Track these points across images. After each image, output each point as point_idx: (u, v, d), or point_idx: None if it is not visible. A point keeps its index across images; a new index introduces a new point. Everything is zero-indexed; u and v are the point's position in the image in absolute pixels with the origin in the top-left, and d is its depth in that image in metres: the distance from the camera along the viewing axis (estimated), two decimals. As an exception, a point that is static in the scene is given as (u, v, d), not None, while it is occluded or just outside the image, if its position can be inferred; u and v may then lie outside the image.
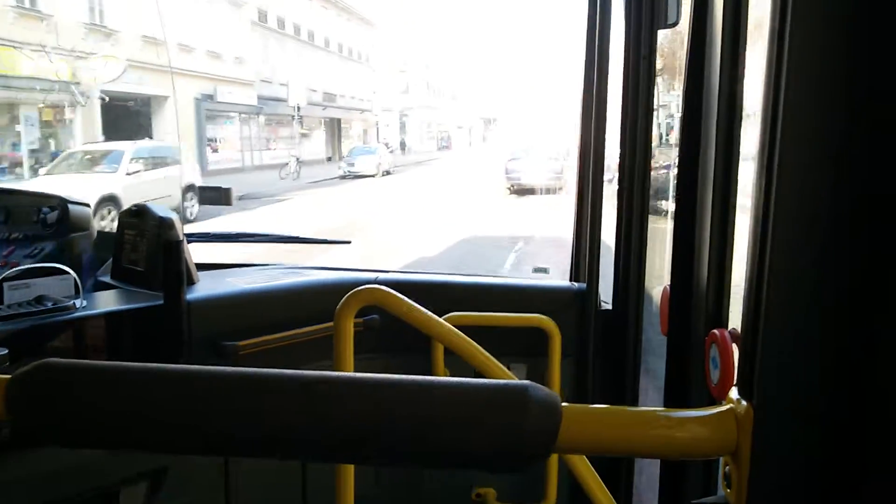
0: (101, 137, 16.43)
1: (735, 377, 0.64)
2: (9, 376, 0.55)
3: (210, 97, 23.27)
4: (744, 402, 0.57)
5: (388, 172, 26.53)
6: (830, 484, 0.56)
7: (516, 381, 0.55)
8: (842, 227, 0.54)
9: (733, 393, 0.59)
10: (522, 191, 18.50)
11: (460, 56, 64.79)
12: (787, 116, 0.53)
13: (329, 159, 33.82)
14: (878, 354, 0.54)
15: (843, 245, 0.54)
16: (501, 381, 0.56)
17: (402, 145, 49.41)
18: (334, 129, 37.41)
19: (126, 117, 18.49)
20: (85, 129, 16.71)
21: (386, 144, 47.36)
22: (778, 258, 0.54)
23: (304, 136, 32.77)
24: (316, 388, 0.54)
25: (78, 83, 15.89)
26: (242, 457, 0.61)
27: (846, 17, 0.52)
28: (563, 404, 0.55)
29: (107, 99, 16.62)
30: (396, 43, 50.03)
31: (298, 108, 28.61)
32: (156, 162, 12.65)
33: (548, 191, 18.26)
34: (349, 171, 24.62)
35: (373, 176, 24.65)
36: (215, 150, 24.03)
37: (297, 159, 23.57)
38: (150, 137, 18.35)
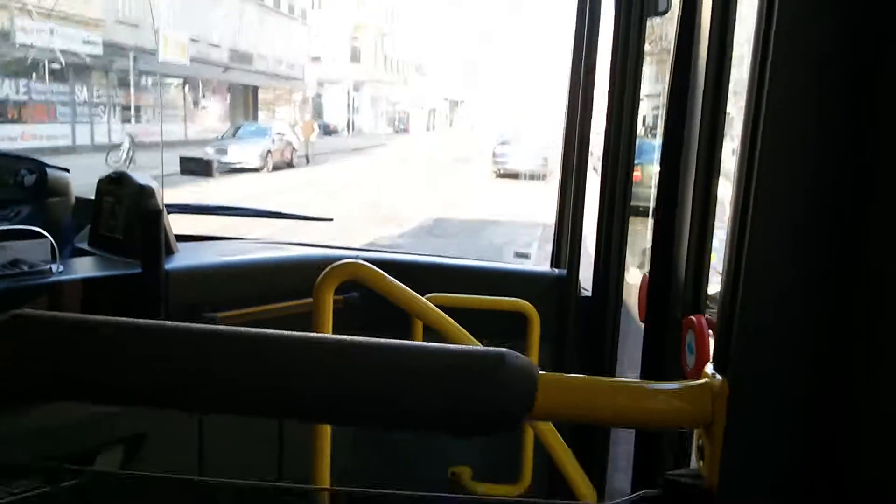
0: None
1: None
2: None
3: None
4: (718, 377, 0.59)
5: (290, 164, 18.42)
6: (803, 459, 0.57)
7: (494, 348, 0.55)
8: (818, 213, 0.56)
9: (708, 368, 0.61)
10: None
11: (427, 27, 56.49)
12: (770, 108, 0.55)
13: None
14: (852, 330, 0.56)
15: (822, 228, 0.56)
16: (479, 348, 0.57)
17: (350, 126, 40.97)
18: (248, 100, 28.96)
19: None
20: None
21: (321, 125, 39.32)
22: (756, 239, 0.56)
23: (197, 105, 24.45)
24: (290, 347, 0.54)
25: None
26: (213, 413, 0.61)
27: (833, 8, 0.54)
28: (541, 372, 0.56)
29: None
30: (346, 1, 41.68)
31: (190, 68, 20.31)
32: None
33: (533, 177, 18.58)
34: (219, 161, 16.25)
35: (257, 170, 16.92)
36: (14, 119, 15.72)
37: (132, 139, 15.39)
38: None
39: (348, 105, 43.38)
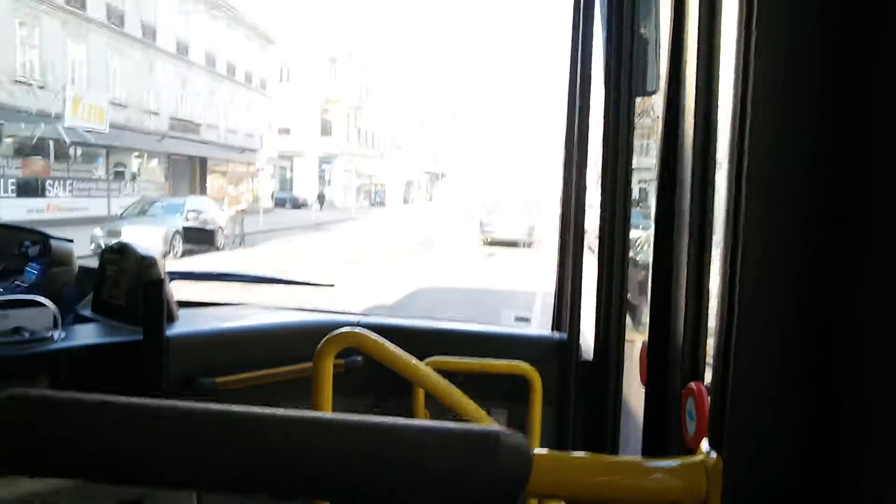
0: None
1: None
2: None
3: None
4: (713, 454, 0.60)
5: (214, 246, 15.29)
6: None
7: (488, 426, 0.56)
8: (808, 288, 0.57)
9: (704, 445, 0.62)
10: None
11: (405, 101, 55.31)
12: (751, 180, 0.57)
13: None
14: (849, 407, 0.56)
15: (807, 304, 0.57)
16: (473, 426, 0.56)
17: (321, 199, 38.51)
18: (195, 171, 26.45)
19: None
20: None
21: (289, 199, 36.91)
22: (745, 316, 0.57)
23: (120, 175, 21.77)
24: (283, 427, 0.54)
25: None
26: (207, 492, 0.63)
27: (809, 89, 0.57)
28: (536, 451, 0.56)
29: None
30: (314, 70, 40.11)
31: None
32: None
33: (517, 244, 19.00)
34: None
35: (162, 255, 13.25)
36: None
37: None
38: None
39: (321, 177, 41.24)
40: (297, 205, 38.19)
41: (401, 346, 1.30)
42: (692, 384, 1.02)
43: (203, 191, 25.65)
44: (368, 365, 1.85)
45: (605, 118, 1.75)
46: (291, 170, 41.70)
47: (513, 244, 19.26)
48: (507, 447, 0.53)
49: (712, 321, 0.69)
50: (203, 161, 26.44)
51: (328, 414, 0.57)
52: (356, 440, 0.53)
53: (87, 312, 1.95)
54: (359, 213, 36.13)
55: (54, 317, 1.65)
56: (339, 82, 41.57)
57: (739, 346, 0.58)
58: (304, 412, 0.55)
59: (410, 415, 1.86)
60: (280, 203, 36.98)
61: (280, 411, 0.54)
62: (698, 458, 0.60)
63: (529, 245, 19.51)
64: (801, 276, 0.57)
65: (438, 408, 1.66)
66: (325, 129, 42.03)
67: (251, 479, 0.54)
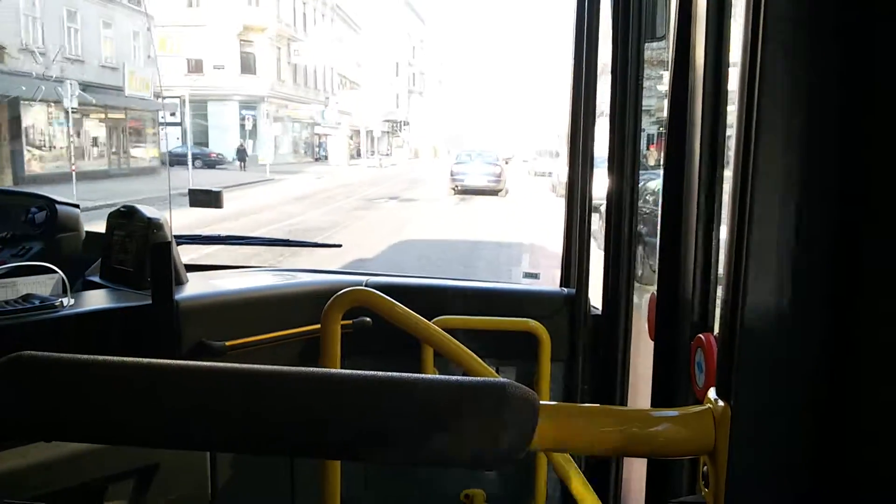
0: None
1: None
2: None
3: None
4: (721, 403, 0.59)
5: None
6: (807, 485, 0.57)
7: (494, 378, 0.55)
8: (818, 233, 0.57)
9: (711, 393, 0.61)
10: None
11: (364, 31, 46.66)
12: (761, 125, 0.56)
13: None
14: (856, 355, 0.56)
15: (819, 249, 0.57)
16: (478, 379, 0.55)
17: (241, 155, 30.43)
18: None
19: None
20: None
21: (195, 155, 28.77)
22: (755, 264, 0.57)
23: None
24: (292, 384, 0.54)
25: None
26: (221, 451, 0.63)
27: (819, 29, 0.55)
28: (542, 402, 0.56)
29: None
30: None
31: None
32: None
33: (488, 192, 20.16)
34: None
35: None
36: None
37: None
38: None
39: (242, 126, 33.06)
40: (210, 162, 30.20)
41: (409, 305, 1.28)
42: (701, 335, 1.00)
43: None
44: (377, 325, 1.88)
45: (612, 66, 1.72)
46: (206, 118, 33.47)
47: (481, 192, 20.21)
48: (514, 399, 0.52)
49: (721, 272, 0.66)
50: (14, 102, 18.15)
51: (335, 370, 0.57)
52: (364, 395, 0.53)
53: (96, 278, 1.95)
54: (288, 173, 28.12)
55: (63, 283, 1.66)
56: (264, 6, 33.03)
57: (748, 295, 0.57)
58: (313, 369, 0.55)
59: (420, 374, 1.71)
60: (180, 161, 28.99)
61: (288, 369, 0.54)
62: (706, 406, 0.60)
63: (496, 193, 20.51)
64: (811, 227, 0.56)
65: (447, 366, 1.85)
66: (248, 66, 33.64)
67: (262, 438, 0.54)
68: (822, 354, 0.56)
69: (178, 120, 32.86)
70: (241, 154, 30.54)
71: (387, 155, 44.79)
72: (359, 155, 41.91)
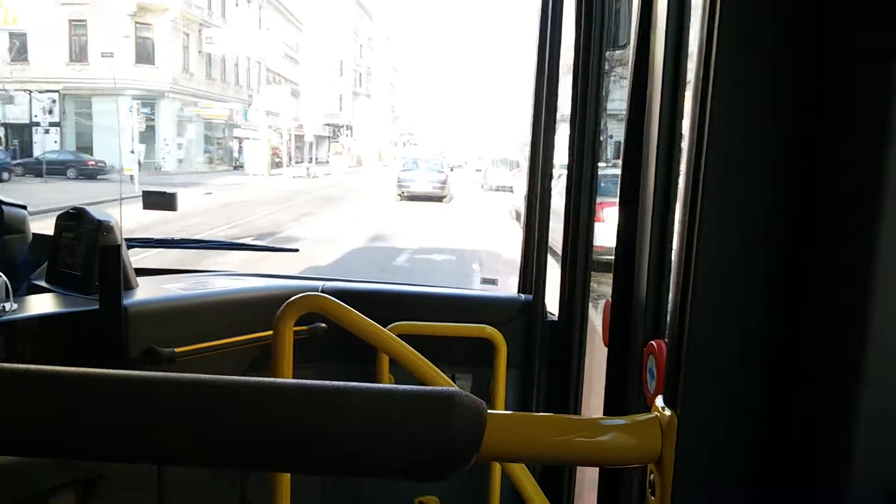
0: None
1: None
2: None
3: None
4: (668, 411, 0.59)
5: None
6: (751, 494, 0.58)
7: (441, 388, 0.55)
8: (767, 243, 0.58)
9: (658, 401, 0.62)
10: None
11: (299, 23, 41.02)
12: (712, 137, 0.57)
13: None
14: (802, 363, 0.57)
15: (767, 258, 0.58)
16: (425, 388, 0.55)
17: (139, 162, 24.30)
18: None
19: None
20: None
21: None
22: (702, 274, 0.58)
23: None
24: (235, 394, 0.53)
25: None
26: (164, 465, 0.61)
27: (768, 38, 0.57)
28: (490, 412, 0.55)
29: None
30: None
31: None
32: None
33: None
34: None
35: None
36: None
37: None
38: None
39: (132, 130, 27.04)
40: (88, 172, 24.25)
41: (366, 311, 1.26)
42: (653, 342, 1.01)
43: None
44: (333, 331, 1.81)
45: (574, 73, 1.71)
46: (90, 118, 27.40)
47: (427, 198, 20.27)
48: (461, 408, 0.52)
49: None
50: None
51: (278, 380, 0.55)
52: (308, 406, 0.52)
53: (42, 282, 1.88)
54: (183, 186, 22.16)
55: (6, 287, 1.59)
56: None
57: (695, 304, 0.57)
58: (254, 379, 0.53)
59: (375, 381, 1.83)
60: (55, 170, 23.15)
61: (227, 378, 0.53)
62: (653, 415, 0.60)
63: (441, 199, 20.73)
64: (760, 234, 0.57)
65: (403, 373, 1.70)
66: (145, 55, 27.72)
67: (200, 451, 0.52)
68: (768, 363, 0.57)
69: (56, 119, 27.00)
70: (138, 161, 24.53)
71: (319, 163, 39.07)
72: (289, 162, 36.07)
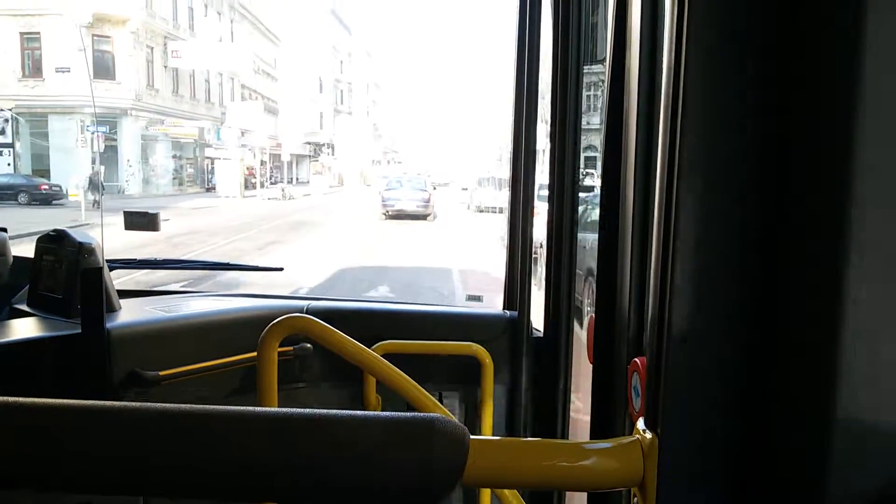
0: None
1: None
2: None
3: None
4: (649, 434, 0.59)
5: None
6: None
7: (423, 414, 0.55)
8: (745, 262, 0.58)
9: (640, 423, 0.61)
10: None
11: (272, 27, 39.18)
12: (684, 154, 0.57)
13: None
14: (776, 387, 0.57)
15: (745, 279, 0.58)
16: (407, 415, 0.55)
17: (93, 185, 22.27)
18: None
19: None
20: None
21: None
22: (680, 295, 0.57)
23: None
24: (213, 424, 0.53)
25: None
26: (149, 496, 0.60)
27: (734, 53, 0.57)
28: (472, 437, 0.55)
29: None
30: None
31: None
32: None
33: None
34: None
35: None
36: None
37: None
38: None
39: (96, 148, 24.92)
40: (40, 196, 22.13)
41: (351, 330, 1.26)
42: (637, 360, 0.99)
43: None
44: (319, 351, 1.82)
45: (552, 89, 1.71)
46: (46, 138, 25.30)
47: (412, 217, 20.21)
48: (442, 435, 0.52)
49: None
50: None
51: (259, 409, 0.54)
52: (289, 435, 0.52)
53: (23, 306, 1.86)
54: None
55: None
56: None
57: (673, 326, 0.57)
58: (234, 408, 0.53)
59: (360, 400, 1.87)
60: (6, 195, 21.12)
61: (209, 408, 0.52)
62: (634, 438, 0.60)
63: (425, 217, 20.70)
64: (739, 253, 0.57)
65: (389, 392, 1.61)
66: (104, 70, 25.64)
67: (189, 482, 0.52)
68: (747, 385, 0.57)
69: (9, 140, 24.89)
70: (94, 184, 22.40)
71: (300, 182, 36.99)
72: (266, 183, 33.98)
